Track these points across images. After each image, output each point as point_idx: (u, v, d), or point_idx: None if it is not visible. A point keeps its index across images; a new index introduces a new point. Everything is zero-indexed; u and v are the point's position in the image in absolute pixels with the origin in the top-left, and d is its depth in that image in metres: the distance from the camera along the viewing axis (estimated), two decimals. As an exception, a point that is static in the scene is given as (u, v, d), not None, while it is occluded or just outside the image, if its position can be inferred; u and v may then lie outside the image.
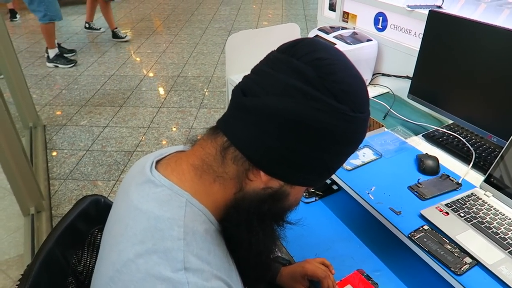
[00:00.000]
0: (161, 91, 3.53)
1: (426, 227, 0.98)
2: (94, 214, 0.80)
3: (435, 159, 1.18)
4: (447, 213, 1.00)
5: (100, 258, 0.62)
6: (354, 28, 1.87)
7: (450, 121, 1.42)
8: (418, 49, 1.40)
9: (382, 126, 1.39)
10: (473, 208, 1.01)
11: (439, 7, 1.55)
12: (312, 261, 0.97)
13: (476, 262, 0.88)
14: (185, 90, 3.53)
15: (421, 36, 1.40)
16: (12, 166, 1.82)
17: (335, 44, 1.66)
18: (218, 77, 3.78)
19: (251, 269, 0.66)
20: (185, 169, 0.60)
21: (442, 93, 1.36)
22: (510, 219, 0.98)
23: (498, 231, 0.94)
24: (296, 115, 0.53)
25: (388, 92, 1.72)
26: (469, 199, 1.04)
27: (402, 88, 1.65)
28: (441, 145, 1.31)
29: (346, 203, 1.20)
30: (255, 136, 0.56)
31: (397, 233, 0.98)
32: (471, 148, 1.26)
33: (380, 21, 1.76)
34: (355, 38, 1.73)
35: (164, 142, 2.78)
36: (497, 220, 0.98)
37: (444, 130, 1.37)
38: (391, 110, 1.55)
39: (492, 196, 1.06)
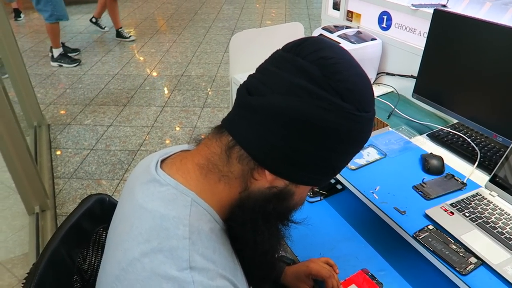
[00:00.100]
0: (165, 90, 3.54)
1: (431, 227, 0.97)
2: (99, 213, 0.81)
3: (440, 159, 1.17)
4: (452, 213, 0.99)
5: (106, 257, 0.62)
6: (358, 27, 1.86)
7: (455, 121, 1.42)
8: (423, 48, 1.39)
9: (387, 125, 1.38)
10: (478, 208, 1.01)
11: (444, 6, 1.55)
12: (316, 261, 0.97)
13: (481, 262, 0.88)
14: (188, 89, 3.53)
15: (425, 35, 1.39)
16: (17, 165, 1.83)
17: (339, 43, 1.66)
18: (221, 76, 3.78)
19: (256, 268, 0.66)
20: (190, 168, 0.60)
21: (447, 92, 1.35)
22: (515, 219, 0.97)
23: (504, 231, 0.94)
24: (301, 114, 0.53)
25: (392, 91, 1.72)
26: (474, 199, 1.04)
27: (406, 87, 1.64)
28: (446, 144, 1.31)
29: (351, 203, 1.20)
30: (260, 135, 0.55)
31: (402, 232, 0.98)
32: (476, 148, 1.25)
33: (385, 20, 1.75)
34: (359, 37, 1.73)
35: (167, 141, 2.79)
36: (502, 220, 0.97)
37: (449, 129, 1.37)
38: (395, 109, 1.55)
39: (497, 196, 1.06)
